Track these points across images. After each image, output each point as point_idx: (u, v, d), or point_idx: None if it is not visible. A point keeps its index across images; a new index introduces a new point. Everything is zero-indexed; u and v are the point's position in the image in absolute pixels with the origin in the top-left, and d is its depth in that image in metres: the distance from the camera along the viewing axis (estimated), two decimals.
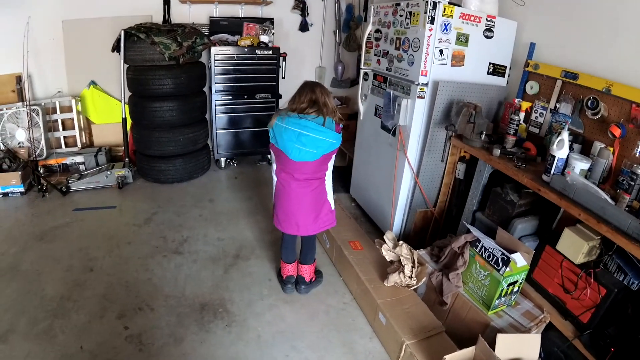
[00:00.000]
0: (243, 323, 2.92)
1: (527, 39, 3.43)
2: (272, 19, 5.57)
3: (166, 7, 5.28)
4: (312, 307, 3.12)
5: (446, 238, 3.24)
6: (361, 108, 4.18)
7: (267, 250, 3.77)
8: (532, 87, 3.33)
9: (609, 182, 2.61)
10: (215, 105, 5.20)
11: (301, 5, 5.85)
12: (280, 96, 5.36)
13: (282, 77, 5.34)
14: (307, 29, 6.04)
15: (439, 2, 3.08)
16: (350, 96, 6.34)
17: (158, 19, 5.32)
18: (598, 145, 2.70)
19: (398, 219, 3.75)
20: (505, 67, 3.54)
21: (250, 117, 5.39)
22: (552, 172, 2.53)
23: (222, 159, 5.59)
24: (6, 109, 4.90)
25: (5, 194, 4.54)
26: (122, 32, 4.51)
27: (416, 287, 2.94)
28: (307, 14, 5.96)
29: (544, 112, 3.21)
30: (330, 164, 2.86)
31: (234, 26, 5.42)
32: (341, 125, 2.73)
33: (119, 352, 2.64)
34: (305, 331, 2.89)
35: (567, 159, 2.52)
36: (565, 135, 2.47)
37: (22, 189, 4.56)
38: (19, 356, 2.56)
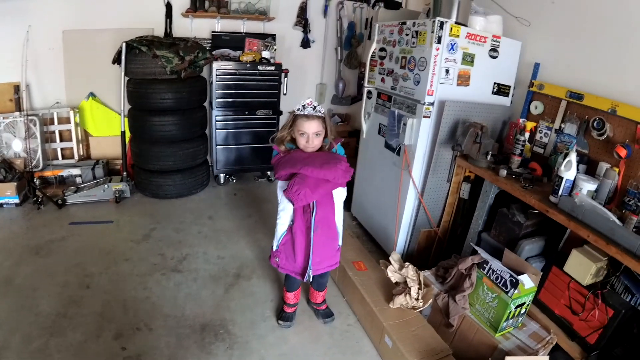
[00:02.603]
0: (245, 345, 2.85)
1: (532, 58, 3.44)
2: (274, 35, 5.57)
3: (168, 20, 5.26)
4: (316, 329, 3.06)
5: (451, 258, 3.20)
6: (364, 126, 4.16)
7: (268, 269, 3.69)
8: (536, 107, 3.34)
9: (614, 202, 2.62)
10: (216, 121, 5.15)
11: (303, 22, 5.84)
12: (281, 112, 5.33)
13: (284, 94, 5.32)
14: (309, 46, 6.04)
15: (446, 21, 3.07)
16: (351, 113, 6.33)
17: (159, 32, 5.29)
18: (604, 165, 2.70)
19: (401, 239, 3.71)
20: (510, 86, 3.54)
21: (250, 133, 5.35)
22: (559, 193, 2.52)
23: (222, 175, 5.53)
24: (3, 118, 4.84)
25: (0, 205, 4.47)
26: (124, 44, 4.48)
27: (422, 309, 2.90)
28: (309, 30, 5.95)
29: (549, 132, 3.21)
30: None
31: (236, 41, 5.40)
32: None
33: None
34: (310, 354, 2.82)
35: (574, 180, 2.50)
36: (573, 157, 2.47)
37: (17, 200, 4.49)
38: None
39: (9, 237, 3.95)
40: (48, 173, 5.02)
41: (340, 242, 2.86)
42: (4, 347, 2.67)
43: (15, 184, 4.47)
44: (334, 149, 2.65)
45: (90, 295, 3.22)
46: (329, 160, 2.51)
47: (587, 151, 2.92)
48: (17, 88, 4.96)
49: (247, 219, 4.67)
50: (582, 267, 2.39)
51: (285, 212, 2.68)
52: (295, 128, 2.54)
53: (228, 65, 5.02)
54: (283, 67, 5.24)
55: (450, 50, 3.15)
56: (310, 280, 2.80)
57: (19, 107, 4.96)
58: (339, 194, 2.69)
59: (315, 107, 2.52)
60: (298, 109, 2.52)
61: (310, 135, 2.52)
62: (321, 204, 2.60)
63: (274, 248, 2.82)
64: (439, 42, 3.10)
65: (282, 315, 3.08)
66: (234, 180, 5.72)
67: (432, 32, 3.09)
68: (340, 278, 3.47)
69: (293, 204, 2.55)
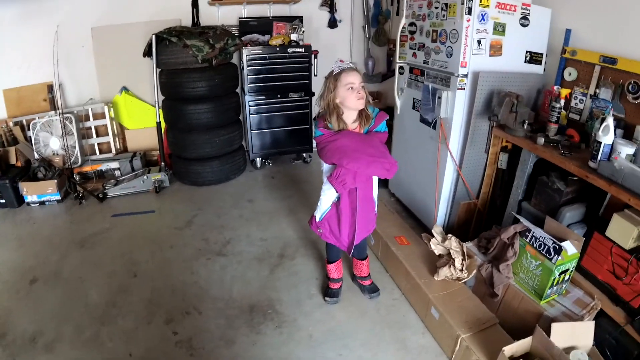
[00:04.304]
0: (293, 323, 2.91)
1: (563, 25, 3.36)
2: (301, 16, 5.58)
3: (194, 10, 5.32)
4: (362, 305, 3.10)
5: (492, 229, 3.20)
6: (398, 102, 4.15)
7: (312, 249, 3.75)
8: (570, 74, 3.27)
9: None
10: (249, 106, 5.19)
11: (329, 2, 5.83)
12: (313, 94, 5.32)
13: (315, 75, 5.31)
14: (336, 25, 6.02)
15: None
16: (382, 91, 6.29)
17: (187, 22, 5.36)
18: None
19: (441, 212, 3.73)
20: (542, 54, 3.48)
21: (284, 116, 5.37)
22: (598, 158, 2.49)
23: (258, 159, 5.59)
24: (39, 118, 4.96)
25: (42, 203, 4.60)
26: (154, 36, 4.55)
27: (466, 280, 2.92)
28: (335, 10, 5.93)
29: (584, 98, 3.14)
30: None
31: (263, 26, 5.44)
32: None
33: (170, 358, 2.65)
34: (357, 329, 2.87)
35: (612, 145, 2.47)
36: (610, 121, 2.43)
37: (58, 197, 4.62)
38: None
39: (53, 232, 4.07)
40: (87, 168, 5.15)
41: (376, 210, 2.94)
42: (57, 339, 2.77)
43: (55, 181, 4.59)
44: (378, 127, 2.68)
45: (138, 283, 3.32)
46: (375, 158, 2.52)
47: (623, 115, 2.86)
48: (50, 87, 5.09)
49: (287, 200, 4.72)
50: (624, 231, 2.36)
51: (330, 191, 2.73)
52: (340, 84, 2.53)
53: (258, 50, 5.03)
54: (312, 49, 5.24)
55: (481, 20, 3.12)
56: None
57: (53, 106, 5.08)
58: None
59: (349, 63, 2.58)
60: (338, 67, 2.56)
61: (359, 85, 2.53)
62: (362, 185, 2.66)
63: (317, 219, 2.88)
64: (469, 13, 3.06)
65: (328, 291, 3.14)
66: (271, 164, 5.78)
67: (462, 3, 3.06)
68: (383, 253, 3.50)
69: (336, 190, 2.63)
